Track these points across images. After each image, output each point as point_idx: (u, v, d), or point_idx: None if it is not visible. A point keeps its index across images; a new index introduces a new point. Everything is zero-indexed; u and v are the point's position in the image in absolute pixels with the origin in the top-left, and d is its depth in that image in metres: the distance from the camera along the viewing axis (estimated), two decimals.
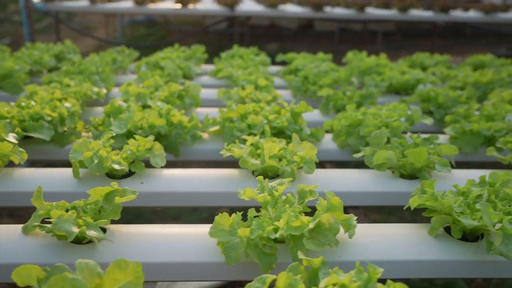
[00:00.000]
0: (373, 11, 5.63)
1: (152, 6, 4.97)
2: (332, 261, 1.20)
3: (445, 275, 1.23)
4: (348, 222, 1.21)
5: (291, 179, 1.36)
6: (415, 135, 1.84)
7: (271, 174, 1.64)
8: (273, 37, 10.83)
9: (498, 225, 1.23)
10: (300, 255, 1.04)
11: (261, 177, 1.34)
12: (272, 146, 1.58)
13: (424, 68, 3.61)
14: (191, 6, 5.12)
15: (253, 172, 1.68)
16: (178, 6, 4.95)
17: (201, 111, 2.45)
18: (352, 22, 8.54)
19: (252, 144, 1.72)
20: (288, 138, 1.96)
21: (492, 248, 1.16)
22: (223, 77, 3.07)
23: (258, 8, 5.22)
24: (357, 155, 1.81)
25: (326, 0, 5.04)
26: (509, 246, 1.17)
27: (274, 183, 1.35)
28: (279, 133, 2.00)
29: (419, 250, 1.25)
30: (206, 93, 2.76)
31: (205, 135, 2.09)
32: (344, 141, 2.01)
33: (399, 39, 10.44)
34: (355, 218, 1.23)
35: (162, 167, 1.69)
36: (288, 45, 9.95)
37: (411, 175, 1.69)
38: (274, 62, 3.95)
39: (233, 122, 2.03)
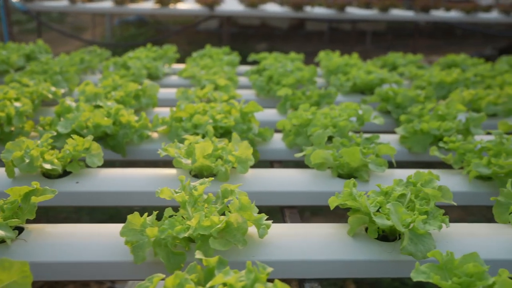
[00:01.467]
0: (353, 11, 5.63)
1: (132, 6, 4.98)
2: (245, 260, 1.20)
3: (359, 275, 1.23)
4: (259, 222, 1.21)
5: (212, 178, 1.36)
6: (357, 135, 1.84)
7: (206, 173, 1.64)
8: (263, 37, 10.83)
9: (424, 226, 1.22)
10: (198, 254, 1.05)
11: (182, 177, 1.34)
12: (206, 146, 1.58)
13: (395, 68, 3.60)
14: (172, 6, 5.12)
15: (190, 172, 1.68)
16: (158, 6, 4.96)
17: (162, 111, 2.44)
18: (332, 22, 8.55)
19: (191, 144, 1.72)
20: None
21: (401, 248, 1.15)
22: (187, 77, 3.07)
23: (238, 8, 5.22)
24: (298, 155, 1.81)
25: (306, 0, 5.04)
26: (418, 246, 1.16)
27: (196, 183, 1.35)
28: (226, 132, 2.00)
29: (333, 250, 1.24)
30: (172, 93, 2.76)
31: (155, 135, 2.09)
32: (293, 140, 2.01)
33: (390, 39, 10.44)
34: (266, 217, 1.23)
35: (100, 166, 1.69)
36: (279, 45, 9.94)
37: (349, 175, 1.69)
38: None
39: (181, 121, 2.03)
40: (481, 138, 2.05)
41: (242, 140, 1.94)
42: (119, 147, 1.96)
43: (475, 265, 0.96)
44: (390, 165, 1.91)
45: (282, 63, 3.11)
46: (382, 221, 1.19)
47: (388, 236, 1.30)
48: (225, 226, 1.17)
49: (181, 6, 5.27)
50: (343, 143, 1.77)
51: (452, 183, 1.70)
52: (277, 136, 2.13)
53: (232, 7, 5.32)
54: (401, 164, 2.13)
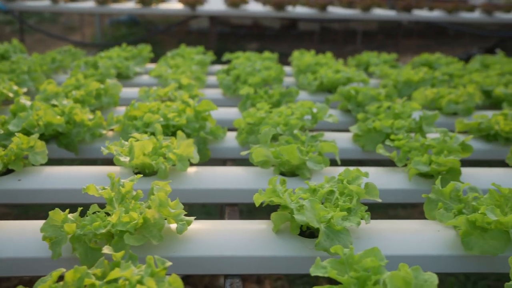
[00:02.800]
0: (335, 10, 5.63)
1: (114, 6, 4.99)
2: (166, 256, 1.21)
3: (280, 271, 1.24)
4: (177, 218, 1.22)
5: (140, 176, 1.37)
6: (302, 133, 1.85)
7: (148, 171, 1.66)
8: (255, 36, 10.85)
9: (343, 222, 1.23)
10: (106, 249, 1.06)
11: (112, 174, 1.35)
12: (145, 144, 1.59)
13: (369, 67, 3.61)
14: (154, 5, 5.14)
15: (133, 170, 1.70)
16: (139, 6, 4.97)
17: (124, 110, 2.45)
18: (313, 21, 8.55)
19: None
20: (188, 136, 1.97)
21: (316, 244, 1.17)
22: (155, 76, 3.08)
23: (220, 7, 5.24)
24: (243, 153, 1.82)
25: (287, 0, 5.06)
26: (334, 242, 1.17)
27: (126, 180, 1.36)
28: (178, 131, 2.00)
29: (255, 247, 1.25)
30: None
31: (110, 133, 2.10)
32: (245, 139, 2.02)
33: (380, 38, 10.45)
34: (184, 213, 1.24)
35: (55, 164, 1.70)
36: (270, 44, 9.96)
37: (292, 173, 1.70)
38: None
39: (134, 120, 2.04)
40: (435, 137, 2.06)
41: (194, 139, 1.97)
42: (72, 146, 1.97)
43: (372, 260, 0.97)
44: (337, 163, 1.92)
45: (251, 63, 3.12)
46: (300, 218, 1.20)
47: (314, 232, 1.31)
48: (143, 222, 1.19)
49: (163, 5, 5.28)
50: (288, 141, 1.78)
51: (394, 181, 1.71)
52: (233, 135, 2.14)
53: (216, 7, 5.33)
54: (353, 163, 2.15)
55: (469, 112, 2.49)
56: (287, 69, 3.57)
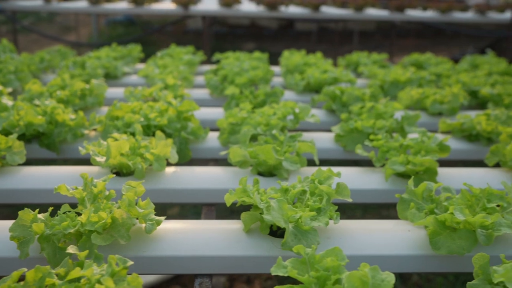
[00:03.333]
0: (328, 10, 5.64)
1: (106, 6, 5.00)
2: (135, 255, 1.22)
3: (249, 271, 1.25)
4: (146, 218, 1.23)
5: (112, 175, 1.38)
6: (280, 133, 1.85)
7: (125, 171, 1.66)
8: (253, 36, 10.86)
9: (311, 222, 1.24)
10: (70, 249, 1.06)
11: (84, 174, 1.35)
12: (122, 144, 1.59)
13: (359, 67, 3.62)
14: (146, 5, 5.14)
15: (112, 170, 1.70)
16: (132, 5, 4.98)
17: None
18: (307, 21, 8.56)
19: None
20: (169, 136, 1.98)
21: (282, 243, 1.17)
22: (143, 76, 3.09)
23: (213, 7, 5.24)
24: (222, 153, 1.82)
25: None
26: (302, 242, 1.18)
27: (99, 179, 1.37)
28: (160, 131, 2.01)
29: (225, 246, 1.26)
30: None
31: (93, 134, 2.11)
32: (227, 139, 2.03)
33: (378, 38, 10.45)
34: (154, 213, 1.25)
35: (37, 165, 1.71)
36: (267, 44, 9.97)
37: (269, 172, 1.71)
38: None
39: (116, 120, 2.04)
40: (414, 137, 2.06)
41: (175, 139, 1.97)
42: (53, 146, 1.98)
43: (332, 260, 0.98)
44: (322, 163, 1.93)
45: (239, 63, 3.12)
46: (268, 218, 1.20)
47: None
48: (111, 222, 1.19)
49: (156, 5, 5.29)
50: (267, 141, 1.79)
51: (371, 181, 1.72)
52: (216, 135, 2.14)
53: (209, 6, 5.33)
54: (334, 163, 2.15)
55: (454, 112, 2.49)
56: (276, 69, 3.57)
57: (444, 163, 2.35)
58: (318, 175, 1.39)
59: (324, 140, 2.13)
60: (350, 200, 1.36)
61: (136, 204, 1.27)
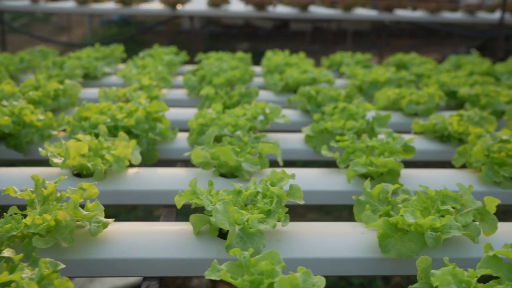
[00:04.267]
0: (317, 10, 5.62)
1: (94, 6, 4.98)
2: (82, 258, 1.21)
3: (196, 273, 1.23)
4: (91, 220, 1.22)
5: (63, 177, 1.36)
6: (245, 134, 1.84)
7: (86, 172, 1.65)
8: (247, 36, 10.84)
9: (259, 225, 1.22)
10: (5, 252, 1.05)
11: (35, 175, 1.34)
12: (81, 145, 1.58)
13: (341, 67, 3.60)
14: (134, 5, 5.13)
15: (73, 172, 1.69)
16: (119, 5, 4.96)
17: None
18: (296, 21, 8.55)
19: None
20: (136, 137, 1.96)
21: (226, 246, 1.16)
22: (122, 77, 3.08)
23: (201, 7, 5.23)
24: (186, 154, 1.81)
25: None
26: (247, 245, 1.17)
27: (51, 181, 1.35)
28: (128, 132, 2.00)
29: (174, 249, 1.25)
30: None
31: (62, 134, 2.10)
32: (195, 140, 2.02)
33: (373, 38, 10.44)
34: (102, 215, 1.24)
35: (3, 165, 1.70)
36: (261, 44, 9.96)
37: (232, 174, 1.69)
38: None
39: (84, 121, 2.03)
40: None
41: (142, 140, 1.96)
42: (20, 147, 1.96)
43: (266, 263, 0.96)
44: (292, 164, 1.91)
45: (219, 63, 3.11)
46: (213, 220, 1.19)
47: None
48: (55, 224, 1.18)
49: (144, 5, 5.27)
50: (231, 142, 1.77)
51: (335, 182, 1.70)
52: (186, 136, 2.13)
53: (197, 6, 5.32)
54: (304, 163, 2.13)
55: (429, 113, 2.48)
56: (259, 69, 3.56)
57: (415, 164, 2.34)
58: (272, 176, 1.38)
59: (295, 141, 2.12)
60: (302, 202, 1.34)
61: (84, 206, 1.26)
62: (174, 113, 2.46)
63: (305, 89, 2.52)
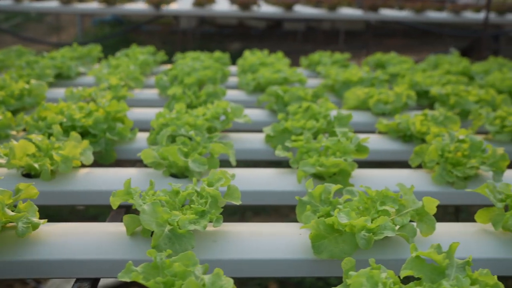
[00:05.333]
0: (301, 10, 5.60)
1: (78, 6, 4.97)
2: (11, 260, 1.19)
3: None
4: (20, 221, 1.20)
5: (1, 177, 1.35)
6: (198, 133, 1.82)
7: (34, 173, 1.64)
8: (240, 36, 10.83)
9: (189, 225, 1.21)
10: None
11: None
12: (27, 145, 1.57)
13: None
14: (118, 5, 5.12)
15: (22, 172, 1.68)
16: (103, 5, 4.95)
17: None
18: (281, 21, 8.54)
19: None
20: (94, 137, 1.95)
21: (152, 246, 1.14)
22: (93, 76, 3.06)
23: (186, 7, 5.22)
24: (138, 155, 1.80)
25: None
26: (175, 246, 1.15)
27: None
28: (85, 132, 1.99)
29: (106, 250, 1.23)
30: None
31: (21, 134, 2.09)
32: (154, 140, 2.00)
33: (366, 38, 10.42)
34: (35, 216, 1.22)
35: None
36: (254, 44, 9.94)
37: (182, 174, 1.68)
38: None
39: (43, 121, 2.02)
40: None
41: (100, 140, 1.95)
42: None
43: (179, 265, 0.95)
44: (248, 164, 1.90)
45: (192, 62, 3.10)
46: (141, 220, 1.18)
47: None
48: None
49: (128, 5, 5.26)
50: (184, 142, 1.76)
51: (287, 183, 1.69)
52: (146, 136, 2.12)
53: (182, 6, 5.31)
54: (263, 164, 2.11)
55: (397, 113, 2.46)
56: (234, 69, 3.55)
57: (377, 165, 2.33)
58: (211, 177, 1.37)
59: (257, 141, 2.11)
60: (239, 203, 1.33)
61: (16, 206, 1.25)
62: (143, 113, 2.45)
63: (272, 88, 2.50)
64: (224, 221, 1.31)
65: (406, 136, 2.13)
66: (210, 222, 1.23)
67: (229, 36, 10.80)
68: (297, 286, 3.18)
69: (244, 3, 4.96)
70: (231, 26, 11.12)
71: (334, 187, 1.39)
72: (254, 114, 2.46)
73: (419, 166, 1.88)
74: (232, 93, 2.88)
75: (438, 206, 1.29)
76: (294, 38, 10.58)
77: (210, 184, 1.33)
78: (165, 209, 1.17)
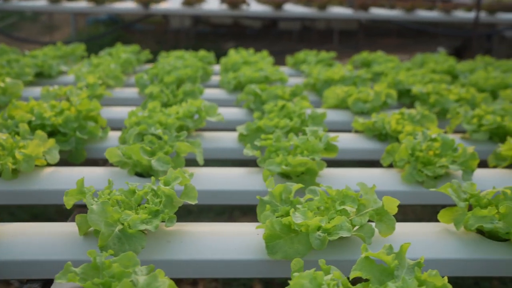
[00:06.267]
0: (291, 8, 5.58)
1: (66, 5, 4.94)
2: None
3: None
4: None
5: None
6: (165, 132, 1.80)
7: None
8: (235, 36, 10.79)
9: (140, 225, 1.19)
10: None
11: None
12: None
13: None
14: (107, 4, 5.09)
15: None
16: (92, 4, 4.93)
17: None
18: (276, 20, 8.52)
19: None
20: (64, 136, 1.93)
21: (99, 247, 1.12)
22: (73, 75, 3.04)
23: (175, 6, 5.19)
24: (106, 154, 1.77)
25: None
26: (124, 246, 1.13)
27: None
28: (55, 131, 1.96)
29: (58, 250, 1.21)
30: None
31: None
32: (125, 138, 1.98)
33: (360, 38, 10.38)
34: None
35: None
36: (249, 44, 9.90)
37: (148, 173, 1.66)
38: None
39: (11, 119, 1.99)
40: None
41: (70, 139, 1.93)
42: None
43: (117, 266, 0.93)
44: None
45: (173, 61, 3.07)
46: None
47: None
48: None
49: (117, 4, 5.23)
50: (152, 140, 1.74)
51: (255, 182, 1.67)
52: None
53: (171, 5, 5.28)
54: (236, 163, 2.08)
55: (375, 111, 2.44)
56: (218, 68, 3.53)
57: (351, 164, 2.30)
58: (168, 175, 1.34)
59: (230, 140, 2.09)
60: (195, 202, 1.31)
61: None
62: (120, 112, 2.42)
63: (251, 87, 2.48)
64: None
65: (382, 135, 2.11)
66: (163, 222, 1.21)
67: (224, 36, 10.77)
68: (281, 286, 3.16)
69: (233, 2, 4.94)
70: (226, 25, 11.09)
71: (295, 187, 1.37)
72: (232, 113, 2.44)
73: (392, 165, 1.86)
74: (212, 92, 2.86)
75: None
76: (289, 38, 10.54)
77: (166, 183, 1.31)
78: (116, 208, 1.15)
